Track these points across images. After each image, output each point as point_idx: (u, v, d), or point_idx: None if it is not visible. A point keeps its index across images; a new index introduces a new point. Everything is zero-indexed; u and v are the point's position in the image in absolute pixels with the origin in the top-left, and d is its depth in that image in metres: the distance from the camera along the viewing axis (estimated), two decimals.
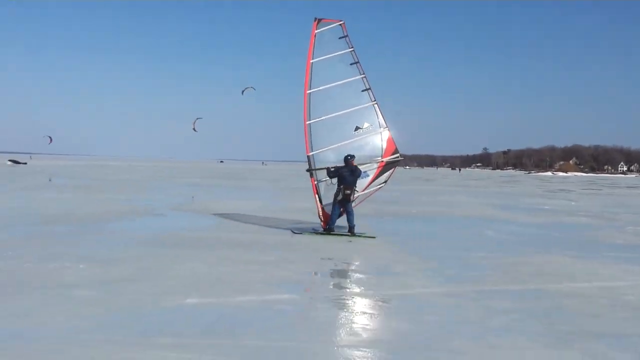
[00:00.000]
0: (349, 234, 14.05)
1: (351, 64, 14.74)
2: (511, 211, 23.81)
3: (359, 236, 13.94)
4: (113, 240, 12.59)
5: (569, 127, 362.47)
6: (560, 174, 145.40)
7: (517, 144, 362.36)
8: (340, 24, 14.82)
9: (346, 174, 14.01)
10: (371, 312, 7.58)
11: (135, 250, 11.33)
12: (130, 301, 7.44)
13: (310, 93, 14.45)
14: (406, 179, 64.08)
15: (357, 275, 10.27)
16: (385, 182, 14.95)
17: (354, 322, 6.93)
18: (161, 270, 9.43)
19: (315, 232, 14.51)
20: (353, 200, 14.15)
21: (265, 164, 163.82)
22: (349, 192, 13.97)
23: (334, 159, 14.45)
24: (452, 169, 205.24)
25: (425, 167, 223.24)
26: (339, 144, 14.53)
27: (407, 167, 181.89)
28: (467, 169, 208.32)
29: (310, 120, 14.41)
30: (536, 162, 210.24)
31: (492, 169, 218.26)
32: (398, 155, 14.89)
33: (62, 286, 8.08)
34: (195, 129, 47.85)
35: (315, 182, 14.49)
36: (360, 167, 14.28)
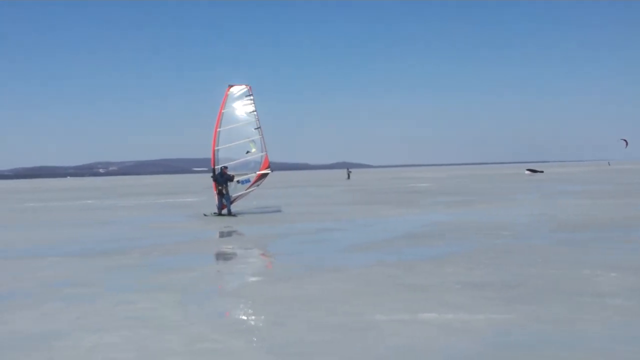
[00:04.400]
0: (229, 214, 22.17)
1: (251, 112, 23.18)
2: None
3: (233, 215, 22.16)
4: None
5: None
6: None
7: None
8: (247, 87, 23.47)
9: (219, 177, 22.26)
10: None
11: None
12: None
13: (219, 130, 23.04)
14: None
15: None
16: (258, 185, 23.63)
17: None
18: None
19: (215, 214, 22.53)
20: (226, 194, 22.23)
21: None
22: (220, 187, 22.19)
23: (232, 171, 22.59)
24: None
25: None
26: (235, 161, 23.03)
27: None
28: None
29: (218, 147, 22.95)
30: None
31: None
32: (269, 170, 23.15)
33: (595, 294, 7.82)
34: None
35: (220, 187, 22.24)
36: (244, 176, 22.99)
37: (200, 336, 6.44)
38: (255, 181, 23.19)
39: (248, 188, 23.19)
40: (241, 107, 23.25)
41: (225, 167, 22.36)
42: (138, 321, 7.11)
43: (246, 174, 23.10)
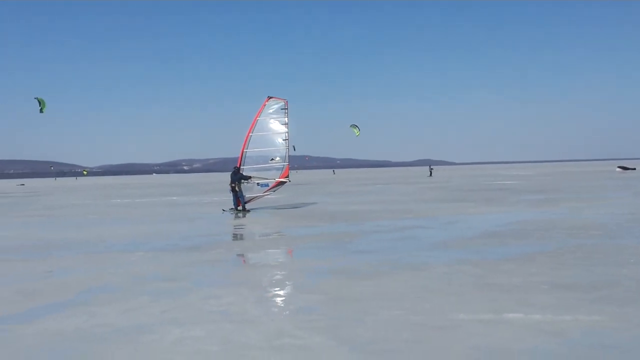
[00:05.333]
0: (241, 209, 24.40)
1: (283, 124, 25.23)
2: None
3: (248, 211, 24.43)
4: None
5: None
6: None
7: None
8: (284, 101, 25.40)
9: (232, 175, 24.77)
10: None
11: None
12: None
13: (251, 135, 25.23)
14: None
15: None
16: (275, 191, 26.21)
17: None
18: None
19: (232, 209, 24.92)
20: (239, 190, 24.55)
21: None
22: (233, 185, 24.65)
23: (254, 173, 25.18)
24: None
25: None
26: (259, 165, 25.37)
27: None
28: None
29: (247, 149, 25.21)
30: None
31: None
32: (288, 179, 25.38)
33: None
34: None
35: (233, 185, 24.70)
36: (264, 180, 25.31)
37: (281, 332, 6.49)
38: (273, 187, 25.61)
39: (265, 192, 25.76)
40: (275, 119, 25.36)
41: (238, 168, 24.93)
42: (221, 315, 7.25)
43: (266, 179, 25.42)
